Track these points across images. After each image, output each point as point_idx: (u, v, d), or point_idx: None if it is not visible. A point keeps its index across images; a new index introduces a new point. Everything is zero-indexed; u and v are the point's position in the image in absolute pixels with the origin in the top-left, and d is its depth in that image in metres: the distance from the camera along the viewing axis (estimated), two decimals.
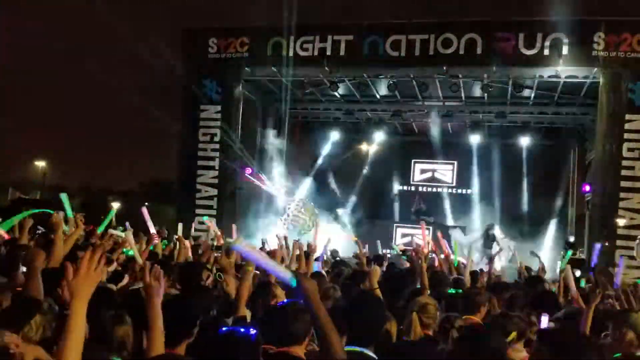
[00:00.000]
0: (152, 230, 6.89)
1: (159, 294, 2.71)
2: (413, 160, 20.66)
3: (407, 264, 8.41)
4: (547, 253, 17.01)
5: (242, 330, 2.79)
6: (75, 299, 2.05)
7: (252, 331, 2.77)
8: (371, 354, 2.75)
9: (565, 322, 4.43)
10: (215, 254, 6.60)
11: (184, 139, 15.78)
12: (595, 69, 13.32)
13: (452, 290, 5.65)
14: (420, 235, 9.86)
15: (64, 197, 5.59)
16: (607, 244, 12.99)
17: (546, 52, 13.27)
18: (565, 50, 13.20)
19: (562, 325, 4.33)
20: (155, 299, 2.68)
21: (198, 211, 14.96)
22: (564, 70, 13.61)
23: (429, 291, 5.14)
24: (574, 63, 13.40)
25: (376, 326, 2.88)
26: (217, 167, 15.37)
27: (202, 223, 11.55)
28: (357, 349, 2.70)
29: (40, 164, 38.12)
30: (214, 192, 15.34)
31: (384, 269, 8.09)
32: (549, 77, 14.21)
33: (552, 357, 2.71)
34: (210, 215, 14.71)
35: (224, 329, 2.91)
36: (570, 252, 11.04)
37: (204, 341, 3.05)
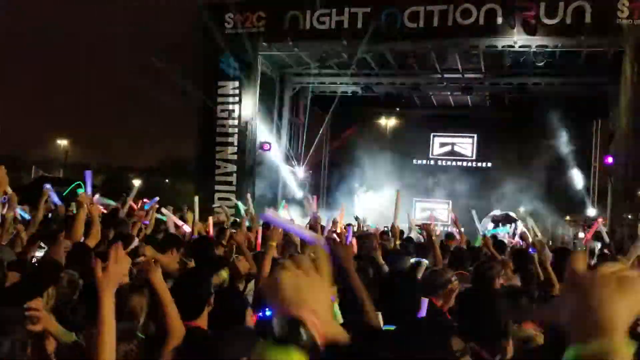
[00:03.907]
0: (183, 226, 6.78)
1: (155, 271, 2.78)
2: (432, 134, 20.49)
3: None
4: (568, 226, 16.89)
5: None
6: (103, 292, 2.26)
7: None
8: None
9: None
10: (232, 230, 6.63)
11: (203, 115, 15.82)
12: (619, 37, 12.98)
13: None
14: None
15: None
16: (630, 216, 12.83)
17: (568, 21, 12.95)
18: (588, 18, 12.86)
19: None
20: (152, 275, 2.76)
21: (217, 187, 15.07)
22: (586, 39, 13.28)
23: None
24: (597, 32, 13.05)
25: (410, 308, 2.85)
26: (235, 143, 15.42)
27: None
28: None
29: (63, 142, 38.76)
30: (233, 168, 15.41)
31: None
32: (572, 47, 13.91)
33: None
34: (229, 191, 14.83)
35: None
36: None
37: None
